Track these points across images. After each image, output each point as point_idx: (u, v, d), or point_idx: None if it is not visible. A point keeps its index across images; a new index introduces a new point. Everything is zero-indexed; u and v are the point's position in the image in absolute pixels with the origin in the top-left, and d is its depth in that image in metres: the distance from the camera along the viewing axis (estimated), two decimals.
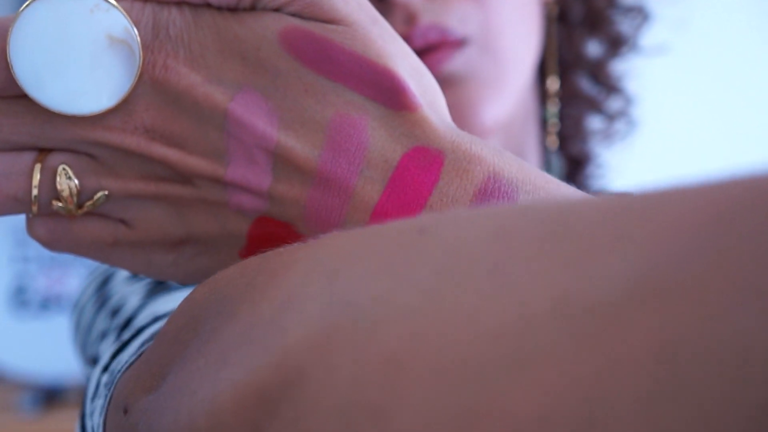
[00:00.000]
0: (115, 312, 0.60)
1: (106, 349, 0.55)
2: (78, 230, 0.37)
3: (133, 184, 0.36)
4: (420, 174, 0.35)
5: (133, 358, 0.37)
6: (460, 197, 0.35)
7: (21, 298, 1.75)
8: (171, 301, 0.55)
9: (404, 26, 0.56)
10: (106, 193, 0.36)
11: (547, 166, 0.71)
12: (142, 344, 0.42)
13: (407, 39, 0.56)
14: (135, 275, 0.61)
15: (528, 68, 0.63)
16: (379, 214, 0.35)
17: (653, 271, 0.17)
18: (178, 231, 0.37)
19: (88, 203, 0.36)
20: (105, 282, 0.64)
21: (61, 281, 1.77)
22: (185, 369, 0.27)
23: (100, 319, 0.62)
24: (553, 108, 0.70)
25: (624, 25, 0.74)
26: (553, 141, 0.71)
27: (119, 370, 0.37)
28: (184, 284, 0.39)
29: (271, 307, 0.25)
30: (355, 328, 0.21)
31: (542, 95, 0.72)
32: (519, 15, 0.61)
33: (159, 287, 0.58)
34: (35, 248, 1.75)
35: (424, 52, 0.56)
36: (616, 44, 0.74)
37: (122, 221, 0.37)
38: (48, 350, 1.66)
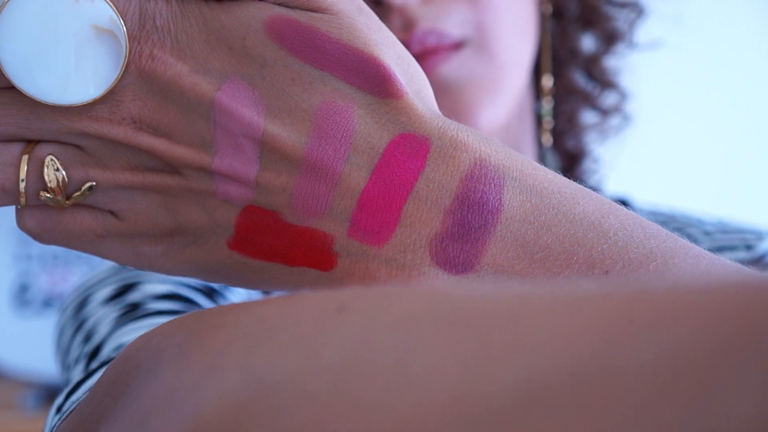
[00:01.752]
0: (87, 338, 0.61)
1: (75, 376, 0.56)
2: (67, 222, 0.37)
3: (121, 175, 0.36)
4: (406, 160, 0.35)
5: (74, 406, 0.37)
6: (446, 184, 0.35)
7: (23, 297, 1.75)
8: (138, 330, 0.56)
9: (402, 33, 0.57)
10: (94, 184, 0.36)
11: (542, 162, 0.71)
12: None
13: (405, 45, 0.56)
14: (112, 298, 0.62)
15: (524, 69, 0.63)
16: (366, 200, 0.35)
17: (542, 380, 0.18)
18: (166, 221, 0.37)
19: (76, 194, 0.36)
20: (83, 303, 0.65)
21: (64, 280, 1.77)
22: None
23: (75, 344, 0.63)
24: (547, 105, 0.70)
25: (618, 20, 0.74)
26: (547, 138, 0.71)
27: (64, 415, 0.37)
28: (173, 275, 0.39)
29: (193, 374, 0.25)
30: (265, 408, 0.21)
31: (537, 92, 0.72)
32: (515, 15, 0.61)
33: (129, 314, 0.58)
34: (38, 247, 1.75)
35: (421, 56, 0.57)
36: (611, 40, 0.74)
37: (111, 212, 0.37)
38: (50, 348, 1.66)
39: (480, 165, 0.35)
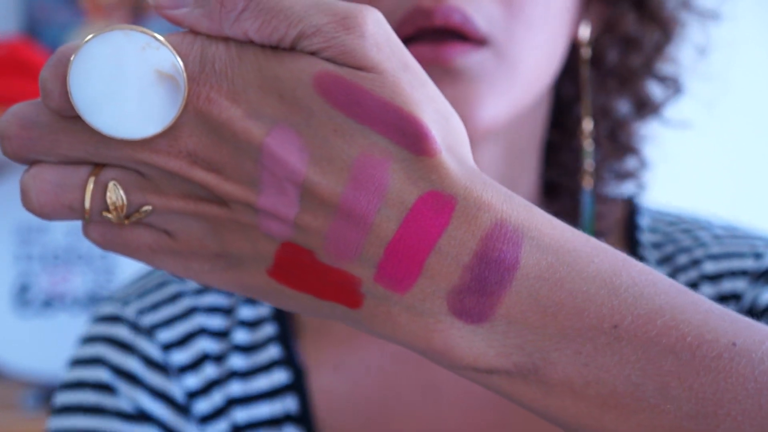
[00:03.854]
0: None
1: None
2: (127, 236, 0.41)
3: (175, 202, 0.40)
4: (432, 217, 0.38)
5: None
6: (467, 241, 0.38)
7: (24, 297, 1.76)
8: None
9: (433, 1, 0.56)
10: (150, 208, 0.40)
11: (581, 207, 0.69)
12: None
13: (430, 13, 0.56)
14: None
15: (540, 87, 0.62)
16: (392, 250, 0.38)
17: None
18: (213, 245, 0.40)
19: (135, 215, 0.40)
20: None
21: (65, 280, 1.78)
22: None
23: None
24: (588, 148, 0.68)
25: (655, 91, 0.71)
26: (588, 181, 0.68)
27: None
28: (217, 288, 0.42)
29: None
30: None
31: (552, 123, 0.70)
32: (546, 34, 0.60)
33: None
34: (39, 246, 1.76)
35: (440, 41, 0.56)
36: (642, 107, 0.71)
37: (165, 232, 0.41)
38: (50, 348, 1.67)
39: (500, 225, 0.38)
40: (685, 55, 0.72)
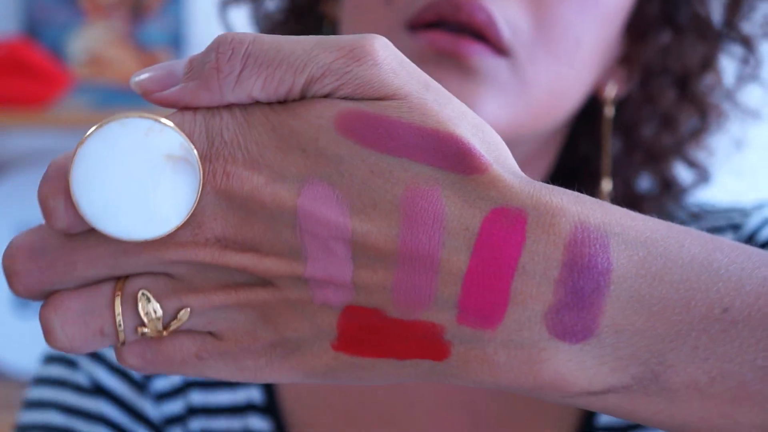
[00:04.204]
0: None
1: None
2: (168, 351, 0.37)
3: (215, 296, 0.36)
4: (505, 236, 0.34)
5: None
6: (551, 253, 0.34)
7: None
8: None
9: None
10: (189, 309, 0.36)
11: None
12: None
13: (457, 6, 0.54)
14: None
15: (549, 119, 0.60)
16: (470, 283, 0.34)
17: None
18: (266, 335, 0.36)
19: (174, 323, 0.36)
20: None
21: None
22: None
23: None
24: None
25: (681, 175, 0.69)
26: None
27: None
28: (279, 382, 0.38)
29: None
30: None
31: (562, 173, 0.67)
32: (569, 68, 0.58)
33: None
34: None
35: (461, 35, 0.54)
36: (666, 188, 0.69)
37: (210, 333, 0.37)
38: (50, 349, 1.67)
39: (582, 228, 0.34)
40: (720, 145, 0.70)
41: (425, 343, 0.35)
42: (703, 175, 0.68)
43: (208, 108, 0.35)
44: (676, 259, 0.34)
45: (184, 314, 0.36)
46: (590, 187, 0.66)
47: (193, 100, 0.35)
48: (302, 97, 0.35)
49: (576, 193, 0.35)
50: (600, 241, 0.34)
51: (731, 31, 0.66)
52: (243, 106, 0.35)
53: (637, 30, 0.64)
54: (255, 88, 0.35)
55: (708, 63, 0.66)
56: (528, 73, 0.56)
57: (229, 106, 0.35)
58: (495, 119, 0.55)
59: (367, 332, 0.35)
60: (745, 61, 0.67)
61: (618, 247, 0.34)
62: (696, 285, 0.34)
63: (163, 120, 0.34)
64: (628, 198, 0.67)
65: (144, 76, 0.36)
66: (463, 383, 0.35)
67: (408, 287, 0.34)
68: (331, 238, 0.34)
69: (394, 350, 0.35)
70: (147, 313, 0.35)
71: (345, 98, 0.35)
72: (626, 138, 0.67)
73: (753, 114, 0.69)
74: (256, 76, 0.35)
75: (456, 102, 0.36)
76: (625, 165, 0.67)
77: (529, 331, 0.34)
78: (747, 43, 0.66)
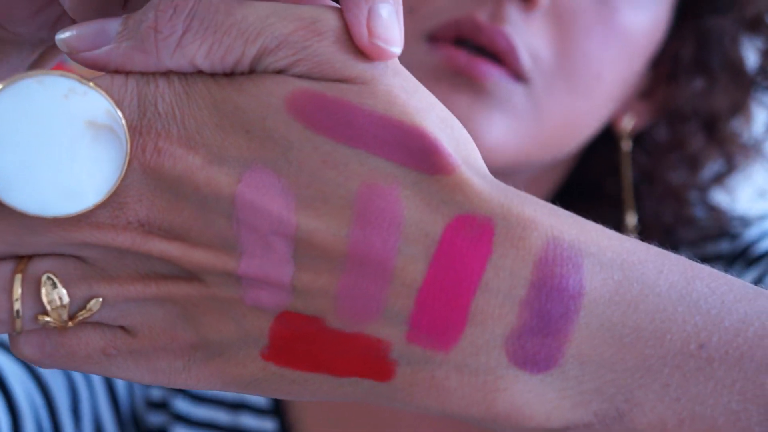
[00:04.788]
0: None
1: None
2: (71, 343, 0.32)
3: (131, 287, 0.31)
4: (469, 247, 0.30)
5: None
6: (519, 270, 0.30)
7: None
8: None
9: (488, 19, 0.53)
10: (101, 300, 0.31)
11: None
12: None
13: (479, 29, 0.53)
14: None
15: (559, 149, 0.58)
16: (426, 298, 0.30)
17: None
18: (186, 335, 0.32)
19: (81, 313, 0.31)
20: None
21: None
22: None
23: None
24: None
25: (698, 214, 0.67)
26: None
27: None
28: (196, 389, 0.34)
29: None
30: None
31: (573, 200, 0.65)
32: (587, 102, 0.57)
33: None
34: None
35: (480, 55, 0.53)
36: (682, 223, 0.67)
37: (122, 328, 0.32)
38: None
39: (554, 244, 0.30)
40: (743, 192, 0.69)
41: (367, 360, 0.31)
42: (722, 223, 0.66)
43: (142, 74, 0.31)
44: (653, 286, 0.31)
45: (94, 304, 0.31)
46: (605, 212, 0.65)
47: (126, 62, 0.31)
48: (251, 71, 0.31)
49: (550, 205, 0.32)
50: (573, 260, 0.30)
51: (765, 78, 0.65)
52: (182, 75, 0.31)
53: (666, 70, 0.63)
54: (198, 54, 0.30)
55: (738, 108, 0.64)
56: (543, 102, 0.55)
57: (166, 74, 0.31)
58: (504, 143, 0.54)
59: (303, 342, 0.31)
60: None
61: (592, 269, 0.31)
62: (672, 316, 0.31)
63: (87, 81, 0.29)
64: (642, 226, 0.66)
65: (70, 32, 0.31)
66: (406, 408, 0.32)
67: (354, 295, 0.30)
68: (272, 232, 0.30)
69: (331, 365, 0.31)
70: (51, 300, 0.31)
71: (301, 76, 0.30)
72: (650, 181, 0.65)
73: None
74: (200, 41, 0.30)
75: (423, 91, 0.32)
76: (649, 201, 0.65)
77: (486, 356, 0.30)
78: None
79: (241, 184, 0.30)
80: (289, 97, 0.30)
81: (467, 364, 0.30)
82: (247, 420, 0.62)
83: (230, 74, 0.31)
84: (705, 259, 0.61)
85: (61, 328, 0.32)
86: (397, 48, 0.31)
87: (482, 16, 0.53)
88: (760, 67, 0.64)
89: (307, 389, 0.32)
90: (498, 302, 0.30)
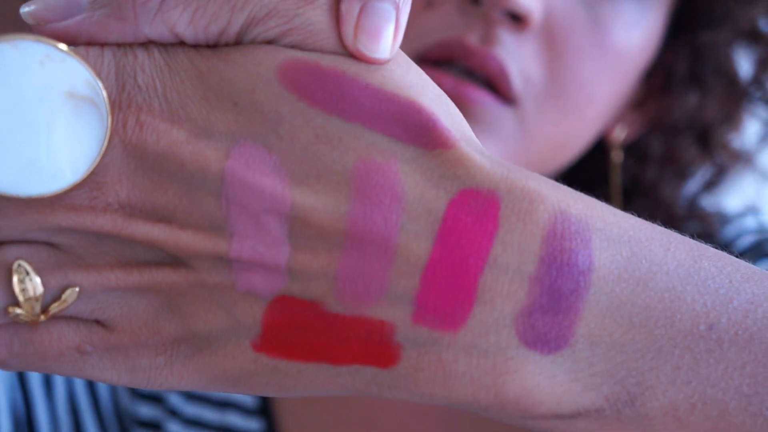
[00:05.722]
0: None
1: None
2: (41, 340, 0.29)
3: (111, 275, 0.29)
4: (475, 222, 0.29)
5: None
6: (528, 245, 0.29)
7: None
8: None
9: (478, 42, 0.51)
10: (77, 289, 0.29)
11: None
12: None
13: (470, 52, 0.51)
14: None
15: (548, 167, 0.57)
16: (432, 276, 0.28)
17: None
18: (170, 327, 0.30)
19: (55, 305, 0.29)
20: None
21: None
22: None
23: None
24: None
25: (691, 228, 0.66)
26: None
27: None
28: (178, 389, 0.31)
29: None
30: None
31: None
32: (578, 123, 0.56)
33: None
34: None
35: (469, 80, 0.52)
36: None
37: (97, 321, 0.30)
38: None
39: (562, 218, 0.29)
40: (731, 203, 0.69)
41: (370, 346, 0.29)
42: (709, 229, 0.65)
43: (119, 45, 0.29)
44: (661, 264, 0.30)
45: (69, 294, 0.29)
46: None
47: (100, 32, 0.28)
48: (238, 43, 0.29)
49: (552, 180, 0.30)
50: (582, 234, 0.29)
51: (758, 89, 0.64)
52: (163, 45, 0.29)
53: (659, 81, 0.62)
54: (180, 21, 0.28)
55: (730, 118, 0.64)
56: (533, 125, 0.53)
57: (145, 45, 0.29)
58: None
59: (299, 330, 0.29)
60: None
61: (600, 245, 0.29)
62: (681, 295, 0.30)
63: (66, 47, 0.27)
64: None
65: (37, 4, 0.29)
66: (407, 397, 0.30)
67: (355, 275, 0.28)
68: (265, 211, 0.28)
69: (330, 353, 0.29)
70: (24, 290, 0.28)
71: (293, 47, 0.29)
72: (635, 184, 0.65)
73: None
74: (183, 6, 0.28)
75: (416, 68, 0.31)
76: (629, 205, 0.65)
77: (495, 336, 0.29)
78: None
79: (229, 159, 0.28)
80: (281, 66, 0.28)
81: (476, 345, 0.29)
82: (233, 419, 0.59)
83: (214, 46, 0.29)
84: None
85: (32, 323, 0.29)
86: (383, 55, 0.29)
87: (472, 38, 0.51)
88: (754, 77, 0.64)
89: (301, 382, 0.30)
90: (507, 279, 0.29)
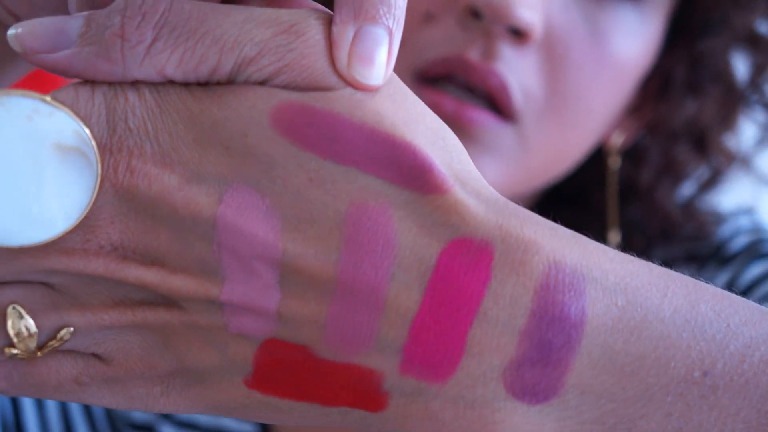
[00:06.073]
0: None
1: None
2: (40, 373, 0.30)
3: (105, 315, 0.29)
4: (467, 273, 0.28)
5: None
6: (520, 298, 0.28)
7: None
8: None
9: (479, 57, 0.51)
10: (72, 329, 0.29)
11: None
12: None
13: (470, 68, 0.51)
14: None
15: (548, 177, 0.57)
16: (420, 327, 0.28)
17: None
18: (165, 363, 0.30)
19: (51, 343, 0.29)
20: None
21: None
22: None
23: None
24: None
25: (682, 226, 0.65)
26: None
27: None
28: (175, 413, 0.32)
29: None
30: None
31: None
32: (577, 134, 0.56)
33: None
34: None
35: (467, 101, 0.51)
36: (665, 236, 0.65)
37: (95, 355, 0.30)
38: None
39: (556, 269, 0.29)
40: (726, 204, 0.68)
41: (358, 391, 0.29)
42: (702, 234, 0.65)
43: (110, 84, 0.28)
44: (657, 312, 0.30)
45: (65, 334, 0.29)
46: (588, 223, 0.64)
47: (89, 70, 0.28)
48: (231, 81, 0.28)
49: (551, 223, 0.30)
50: (576, 286, 0.29)
51: (755, 93, 0.63)
52: (154, 86, 0.28)
53: (657, 86, 0.61)
54: (169, 64, 0.28)
55: (728, 122, 0.63)
56: (533, 139, 0.53)
57: (135, 84, 0.28)
58: (491, 184, 0.52)
59: (289, 371, 0.29)
60: (766, 127, 0.64)
61: (595, 295, 0.29)
62: (677, 343, 0.29)
63: (52, 101, 0.27)
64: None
65: (24, 29, 0.28)
66: None
67: (345, 324, 0.28)
68: (256, 257, 0.28)
69: (319, 395, 0.30)
70: (18, 333, 0.29)
71: (285, 86, 0.28)
72: (632, 187, 0.64)
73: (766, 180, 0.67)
74: (170, 49, 0.28)
75: (413, 99, 0.30)
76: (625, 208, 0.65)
77: (483, 388, 0.29)
78: None
79: (222, 205, 0.28)
80: (273, 111, 0.28)
81: (463, 396, 0.29)
82: (227, 421, 0.60)
83: (206, 84, 0.29)
84: (678, 259, 0.62)
85: (30, 358, 0.30)
86: (376, 82, 0.28)
87: (473, 54, 0.51)
88: (751, 81, 0.63)
89: (293, 416, 0.31)
90: (497, 332, 0.29)
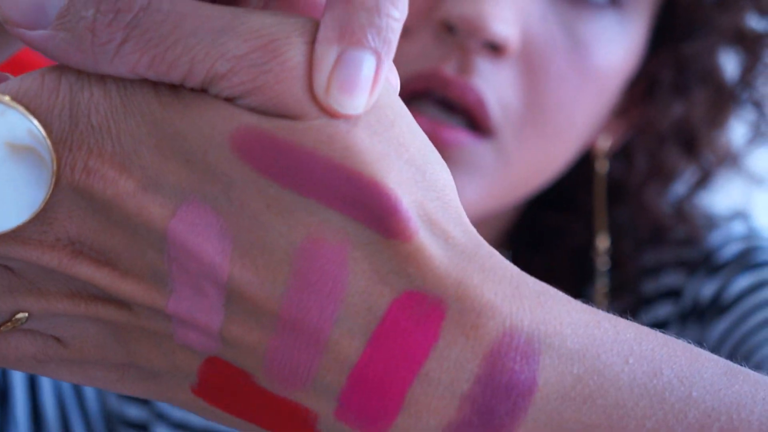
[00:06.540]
0: None
1: None
2: (1, 347, 0.30)
3: (59, 304, 0.29)
4: (414, 330, 0.27)
5: None
6: (465, 363, 0.27)
7: None
8: None
9: (455, 72, 0.50)
10: (26, 315, 0.29)
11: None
12: None
13: (447, 83, 0.50)
14: None
15: (531, 187, 0.56)
16: (359, 377, 0.27)
17: None
18: (117, 355, 0.30)
19: (6, 325, 0.29)
20: None
21: None
22: None
23: None
24: (602, 267, 0.61)
25: (677, 234, 0.63)
26: (602, 302, 0.62)
27: None
28: (136, 396, 0.32)
29: None
30: None
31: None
32: (559, 144, 0.54)
33: None
34: None
35: (444, 121, 0.50)
36: (654, 240, 0.63)
37: (53, 336, 0.30)
38: None
39: (510, 336, 0.27)
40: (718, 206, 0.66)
41: (295, 424, 0.29)
42: (692, 236, 0.63)
43: (78, 73, 0.27)
44: (615, 379, 0.28)
45: (20, 319, 0.29)
46: (575, 228, 0.63)
47: (62, 56, 0.27)
48: (204, 89, 0.27)
49: (517, 279, 0.28)
50: (529, 354, 0.27)
51: (745, 90, 0.60)
52: (122, 84, 0.27)
53: (643, 89, 0.59)
54: (140, 65, 0.27)
55: (717, 121, 0.60)
56: (512, 154, 0.52)
57: (103, 79, 0.27)
58: (474, 203, 0.52)
59: (231, 391, 0.29)
60: (756, 125, 0.62)
61: (550, 363, 0.27)
62: (632, 412, 0.27)
63: (6, 98, 0.26)
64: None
65: (8, 1, 0.28)
66: None
67: (284, 360, 0.28)
68: (203, 276, 0.27)
69: (258, 418, 0.29)
70: None
71: (253, 109, 0.27)
72: (620, 190, 0.63)
73: (758, 181, 0.65)
74: (140, 53, 0.26)
75: (399, 128, 0.28)
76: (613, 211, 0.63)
77: None
78: (759, 105, 0.61)
79: (174, 219, 0.27)
80: (234, 133, 0.26)
81: None
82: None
83: (175, 87, 0.27)
84: (667, 264, 0.60)
85: None
86: (354, 112, 0.26)
87: (449, 69, 0.49)
88: (740, 78, 0.59)
89: (239, 426, 0.30)
90: (437, 394, 0.27)
